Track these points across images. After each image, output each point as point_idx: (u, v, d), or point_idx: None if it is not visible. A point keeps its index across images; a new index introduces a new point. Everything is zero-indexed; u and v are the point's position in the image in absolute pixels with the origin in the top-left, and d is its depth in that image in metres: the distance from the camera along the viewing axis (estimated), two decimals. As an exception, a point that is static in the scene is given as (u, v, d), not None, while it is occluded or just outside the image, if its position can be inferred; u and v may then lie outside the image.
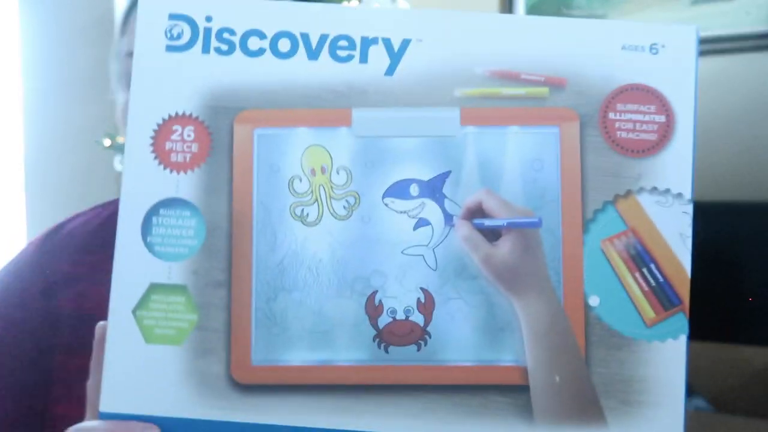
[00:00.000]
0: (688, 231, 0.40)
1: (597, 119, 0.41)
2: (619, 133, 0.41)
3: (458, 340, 0.40)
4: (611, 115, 0.41)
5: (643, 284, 0.40)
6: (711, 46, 1.91)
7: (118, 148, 1.86)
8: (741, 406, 1.47)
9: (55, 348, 0.63)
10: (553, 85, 0.41)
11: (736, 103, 1.92)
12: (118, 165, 1.96)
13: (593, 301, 0.40)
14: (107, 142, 1.88)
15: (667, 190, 0.40)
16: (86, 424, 0.40)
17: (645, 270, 0.40)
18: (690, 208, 0.40)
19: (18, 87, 2.64)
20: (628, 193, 0.41)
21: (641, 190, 0.41)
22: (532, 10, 2.07)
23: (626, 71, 0.41)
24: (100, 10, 2.46)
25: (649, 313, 0.40)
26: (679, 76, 0.41)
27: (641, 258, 0.40)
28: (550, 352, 0.40)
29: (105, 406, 0.40)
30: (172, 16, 0.43)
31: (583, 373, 0.39)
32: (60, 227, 0.69)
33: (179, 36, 0.43)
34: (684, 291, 0.40)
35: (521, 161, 0.41)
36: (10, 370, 0.62)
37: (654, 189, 0.41)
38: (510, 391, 0.40)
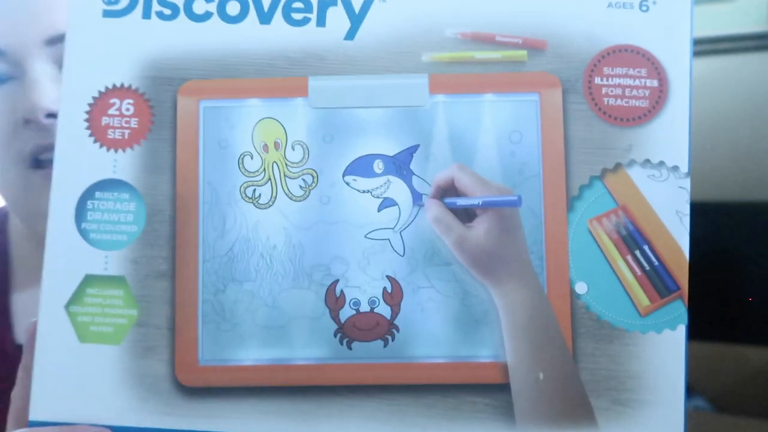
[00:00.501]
0: (686, 208, 0.35)
1: (581, 85, 0.36)
2: (606, 99, 0.36)
3: (429, 334, 0.36)
4: (597, 80, 0.36)
5: (636, 268, 0.35)
6: (711, 46, 1.72)
7: None
8: (741, 406, 1.42)
9: None
10: (531, 48, 0.37)
11: (736, 103, 1.91)
12: None
13: (580, 288, 0.35)
14: None
15: (662, 163, 0.36)
16: None
17: (638, 252, 0.35)
18: (687, 183, 0.36)
19: None
20: (618, 166, 0.36)
21: (632, 162, 0.36)
22: None
23: (613, 31, 0.37)
24: None
25: (643, 300, 0.35)
26: (672, 36, 0.37)
27: (633, 239, 0.35)
28: (532, 347, 0.35)
29: (35, 414, 0.36)
30: (109, -22, 0.38)
31: (570, 369, 0.35)
32: None
33: (117, 0, 0.38)
34: (682, 275, 0.35)
35: (497, 133, 0.36)
36: None
37: (647, 161, 0.36)
38: (488, 390, 0.35)
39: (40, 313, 0.36)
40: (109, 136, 0.37)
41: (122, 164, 0.37)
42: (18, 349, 0.50)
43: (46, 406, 0.36)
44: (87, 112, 0.37)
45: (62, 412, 0.36)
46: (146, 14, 0.38)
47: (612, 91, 0.36)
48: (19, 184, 0.50)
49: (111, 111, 0.37)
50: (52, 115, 0.47)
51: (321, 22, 0.37)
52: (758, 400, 1.42)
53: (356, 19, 0.37)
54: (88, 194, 0.37)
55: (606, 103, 0.36)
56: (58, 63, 0.47)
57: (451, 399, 0.35)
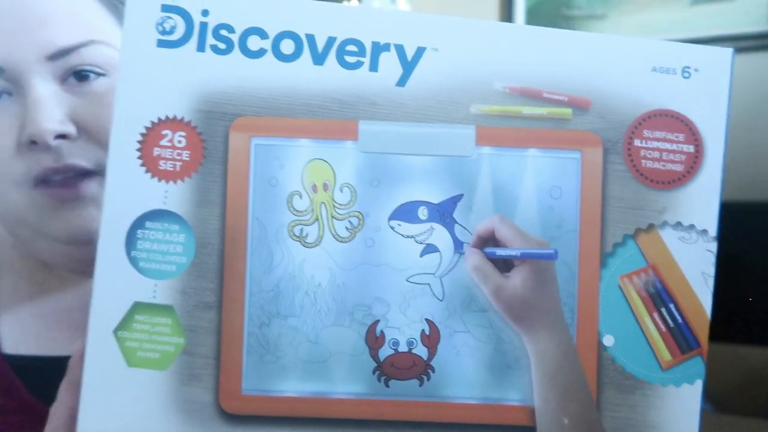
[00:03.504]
0: (711, 270, 0.35)
1: (621, 146, 0.36)
2: (644, 162, 0.36)
3: (463, 376, 0.36)
4: (637, 143, 0.36)
5: (661, 325, 0.35)
6: (711, 46, 2.00)
7: None
8: (741, 406, 1.42)
9: None
10: (576, 106, 0.36)
11: (736, 103, 1.87)
12: None
13: (608, 340, 0.35)
14: None
15: (692, 226, 0.36)
16: None
17: (663, 310, 0.35)
18: (714, 246, 0.36)
19: None
20: (651, 227, 0.36)
21: (665, 224, 0.36)
22: (532, 10, 1.98)
23: (655, 95, 0.36)
24: None
25: (666, 355, 0.35)
26: (711, 104, 0.36)
27: (660, 297, 0.35)
28: (559, 393, 0.35)
29: (84, 430, 0.35)
30: (165, 8, 0.36)
31: (594, 416, 0.35)
32: None
33: (172, 30, 0.36)
34: (703, 334, 0.35)
35: (539, 187, 0.36)
36: None
37: (678, 224, 0.36)
38: (516, 431, 0.35)
39: (88, 336, 0.36)
40: (161, 168, 0.36)
41: (173, 196, 0.36)
42: (4, 358, 0.48)
43: (94, 427, 0.35)
44: (139, 142, 0.36)
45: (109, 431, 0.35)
46: (201, 47, 0.36)
47: (650, 154, 0.36)
48: (22, 205, 0.45)
49: (163, 142, 0.36)
50: (60, 136, 0.43)
51: (374, 67, 0.36)
52: (758, 400, 1.43)
53: (408, 66, 0.36)
54: (139, 224, 0.36)
55: (643, 165, 0.36)
56: (59, 79, 0.44)
57: (480, 438, 0.35)
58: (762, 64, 1.81)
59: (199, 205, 0.36)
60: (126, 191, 0.36)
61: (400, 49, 0.36)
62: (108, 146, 0.36)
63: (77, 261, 0.46)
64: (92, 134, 0.44)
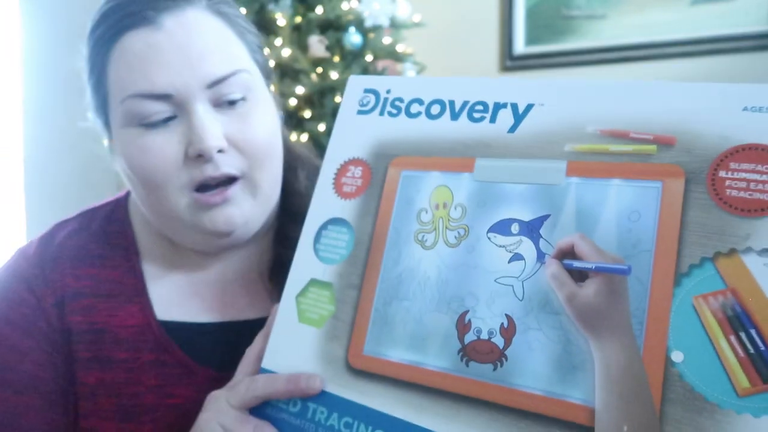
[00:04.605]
0: (804, 300, 0.33)
1: (705, 176, 0.38)
2: (729, 191, 0.37)
3: (532, 369, 0.40)
4: (722, 173, 0.37)
5: (739, 350, 0.34)
6: (711, 46, 1.78)
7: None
8: None
9: (73, 361, 0.56)
10: (661, 144, 0.40)
11: None
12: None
13: (676, 356, 0.36)
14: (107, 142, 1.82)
15: (780, 253, 0.34)
16: (266, 376, 0.47)
17: (743, 334, 0.34)
18: (809, 276, 0.33)
19: (18, 86, 2.36)
20: (732, 251, 0.36)
21: (749, 250, 0.35)
22: (531, 10, 1.93)
23: (745, 131, 0.38)
24: None
25: (743, 382, 0.34)
26: (810, 138, 0.36)
27: (740, 321, 0.34)
28: (621, 400, 0.36)
29: (266, 364, 0.50)
30: (366, 90, 0.54)
31: (654, 427, 0.35)
32: (50, 237, 0.61)
33: (367, 103, 0.53)
34: (789, 365, 0.33)
35: (618, 211, 0.40)
36: (46, 381, 0.56)
37: (764, 250, 0.35)
38: (575, 428, 0.37)
39: (282, 298, 0.51)
40: (344, 190, 0.51)
41: (347, 209, 0.51)
42: (159, 323, 0.56)
43: (273, 361, 0.49)
44: (335, 174, 0.52)
45: (281, 366, 0.49)
46: (381, 113, 0.52)
47: (735, 184, 0.37)
48: (182, 205, 0.54)
49: (348, 174, 0.52)
50: (219, 151, 0.53)
51: (493, 119, 0.47)
52: None
53: (519, 118, 0.46)
54: (324, 226, 0.51)
55: (728, 194, 0.37)
56: (214, 103, 0.54)
57: (541, 427, 0.38)
58: (762, 64, 1.73)
59: (361, 216, 0.50)
60: (321, 204, 0.52)
61: (514, 107, 0.46)
62: (249, 156, 0.53)
63: (215, 247, 0.58)
64: (239, 147, 0.54)
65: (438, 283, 0.45)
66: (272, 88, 0.64)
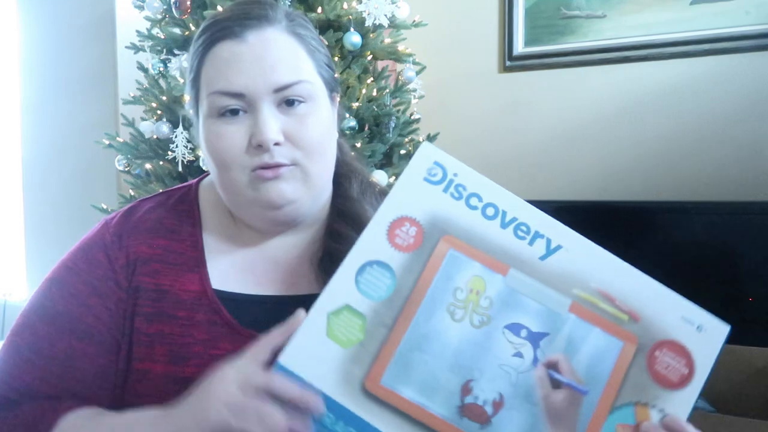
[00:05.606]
0: None
1: (647, 351, 0.58)
2: (656, 367, 0.58)
3: (506, 435, 0.56)
4: (656, 353, 0.58)
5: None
6: (711, 46, 1.77)
7: (118, 148, 1.82)
8: (741, 406, 1.38)
9: (135, 315, 0.67)
10: (631, 317, 0.59)
11: (736, 103, 1.83)
12: (117, 165, 1.92)
13: (596, 456, 0.56)
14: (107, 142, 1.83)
15: (666, 415, 0.57)
16: (271, 375, 0.55)
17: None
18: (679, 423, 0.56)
19: (17, 87, 2.39)
20: (646, 404, 0.57)
21: (654, 406, 0.57)
22: (531, 10, 1.98)
23: (679, 332, 0.59)
24: (100, 10, 2.30)
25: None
26: (707, 353, 0.59)
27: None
28: None
29: (284, 362, 0.57)
30: (436, 163, 0.63)
31: None
32: (131, 212, 0.73)
33: (435, 175, 0.62)
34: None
35: (592, 350, 0.59)
36: (102, 332, 0.67)
37: (661, 410, 0.57)
38: (522, 483, 0.55)
39: (314, 308, 0.59)
40: (396, 241, 0.60)
41: (395, 258, 0.60)
42: (214, 292, 0.68)
43: (294, 361, 0.57)
44: (391, 222, 0.61)
45: (300, 368, 0.57)
46: (445, 190, 0.62)
47: (662, 363, 0.58)
48: (245, 181, 0.66)
49: (402, 228, 0.61)
50: (276, 144, 0.64)
51: (531, 243, 0.61)
52: (757, 400, 1.39)
53: (549, 252, 0.61)
54: (370, 263, 0.60)
55: (655, 368, 0.58)
56: (277, 104, 0.65)
57: (501, 477, 0.55)
58: (762, 64, 1.75)
59: (406, 270, 0.60)
60: (372, 243, 0.60)
61: (548, 241, 0.61)
62: (301, 149, 0.64)
63: (269, 221, 0.68)
64: (293, 141, 0.65)
65: (456, 351, 0.58)
66: (336, 100, 0.73)
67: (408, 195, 0.62)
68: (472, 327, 0.59)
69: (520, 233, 0.61)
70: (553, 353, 0.58)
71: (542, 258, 0.61)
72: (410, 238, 0.61)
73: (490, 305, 0.60)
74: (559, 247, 0.61)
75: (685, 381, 0.58)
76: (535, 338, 0.59)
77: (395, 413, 0.57)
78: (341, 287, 0.59)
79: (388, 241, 0.61)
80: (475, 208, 0.62)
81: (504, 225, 0.62)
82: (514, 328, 0.59)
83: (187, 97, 0.72)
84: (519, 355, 0.59)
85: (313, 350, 0.58)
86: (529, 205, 0.63)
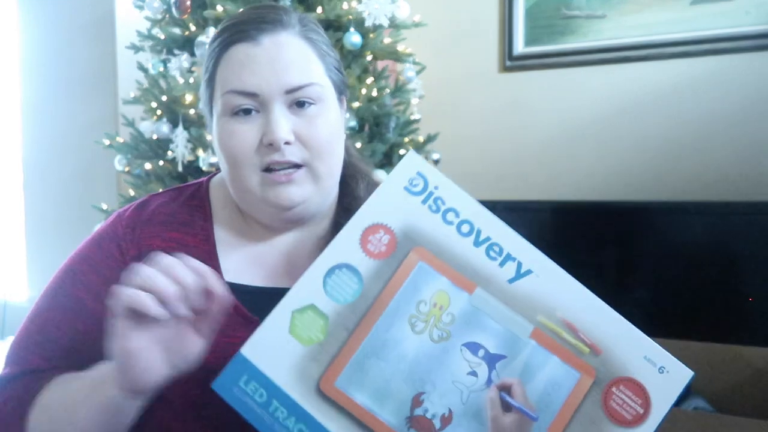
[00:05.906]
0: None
1: (604, 386, 0.58)
2: (611, 402, 0.58)
3: (450, 451, 0.57)
4: (613, 389, 0.58)
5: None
6: (711, 46, 1.77)
7: (118, 148, 1.84)
8: (741, 406, 1.38)
9: None
10: (592, 349, 0.59)
11: (736, 103, 1.82)
12: (118, 165, 1.93)
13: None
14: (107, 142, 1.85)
15: (617, 452, 0.57)
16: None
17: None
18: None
19: (17, 87, 2.39)
20: None
21: (604, 441, 0.57)
22: (531, 10, 1.97)
23: (640, 371, 0.58)
24: (100, 10, 2.30)
25: None
26: (666, 395, 0.58)
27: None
28: None
29: (246, 353, 0.59)
30: (419, 174, 0.63)
31: None
32: (144, 205, 0.75)
33: (416, 185, 0.63)
34: None
35: (548, 378, 0.58)
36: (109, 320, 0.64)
37: (611, 446, 0.57)
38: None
39: (279, 305, 0.60)
40: (367, 247, 0.61)
41: (363, 264, 0.61)
42: (227, 285, 0.65)
43: (254, 352, 0.59)
44: (365, 228, 0.61)
45: (259, 361, 0.58)
46: (424, 202, 0.62)
47: (617, 400, 0.58)
48: (255, 181, 0.69)
49: (375, 235, 0.62)
50: (286, 143, 0.67)
51: (502, 264, 0.61)
52: (757, 400, 1.38)
53: (519, 276, 0.61)
54: (339, 266, 0.61)
55: (610, 404, 0.58)
56: (288, 105, 0.67)
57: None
58: (762, 64, 1.74)
59: (374, 277, 0.61)
60: (343, 247, 0.61)
61: (519, 264, 0.61)
62: (310, 148, 0.66)
63: (278, 220, 0.71)
64: (303, 141, 0.68)
65: (412, 362, 0.59)
66: (345, 102, 0.76)
67: (386, 203, 0.63)
68: (430, 341, 0.60)
69: (492, 253, 0.61)
70: (508, 376, 0.59)
71: (511, 281, 0.61)
72: (382, 246, 0.61)
73: (451, 321, 0.60)
74: (529, 272, 0.61)
75: (638, 420, 0.58)
76: (492, 359, 0.59)
77: (346, 416, 0.58)
78: (308, 287, 0.61)
79: (360, 247, 0.61)
80: (450, 223, 0.62)
81: (477, 243, 0.62)
82: (473, 347, 0.59)
83: (201, 97, 0.74)
84: (474, 374, 0.59)
85: (275, 345, 0.59)
86: (507, 226, 0.63)
